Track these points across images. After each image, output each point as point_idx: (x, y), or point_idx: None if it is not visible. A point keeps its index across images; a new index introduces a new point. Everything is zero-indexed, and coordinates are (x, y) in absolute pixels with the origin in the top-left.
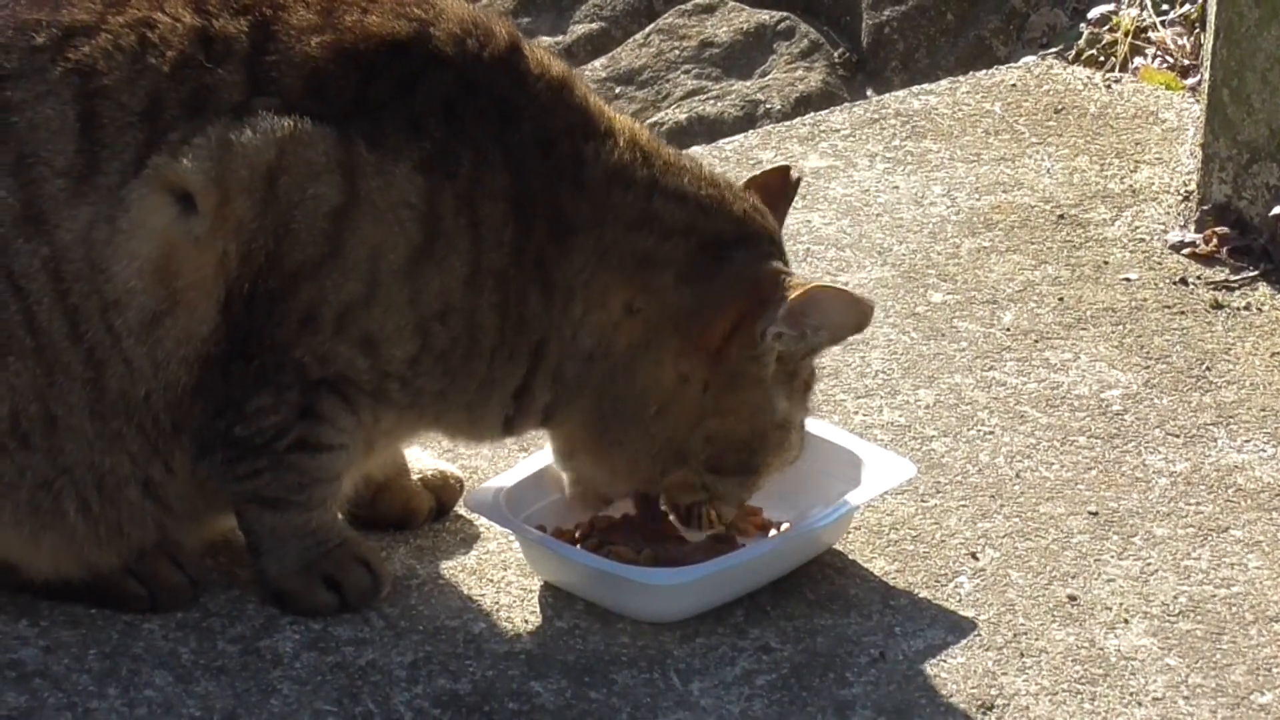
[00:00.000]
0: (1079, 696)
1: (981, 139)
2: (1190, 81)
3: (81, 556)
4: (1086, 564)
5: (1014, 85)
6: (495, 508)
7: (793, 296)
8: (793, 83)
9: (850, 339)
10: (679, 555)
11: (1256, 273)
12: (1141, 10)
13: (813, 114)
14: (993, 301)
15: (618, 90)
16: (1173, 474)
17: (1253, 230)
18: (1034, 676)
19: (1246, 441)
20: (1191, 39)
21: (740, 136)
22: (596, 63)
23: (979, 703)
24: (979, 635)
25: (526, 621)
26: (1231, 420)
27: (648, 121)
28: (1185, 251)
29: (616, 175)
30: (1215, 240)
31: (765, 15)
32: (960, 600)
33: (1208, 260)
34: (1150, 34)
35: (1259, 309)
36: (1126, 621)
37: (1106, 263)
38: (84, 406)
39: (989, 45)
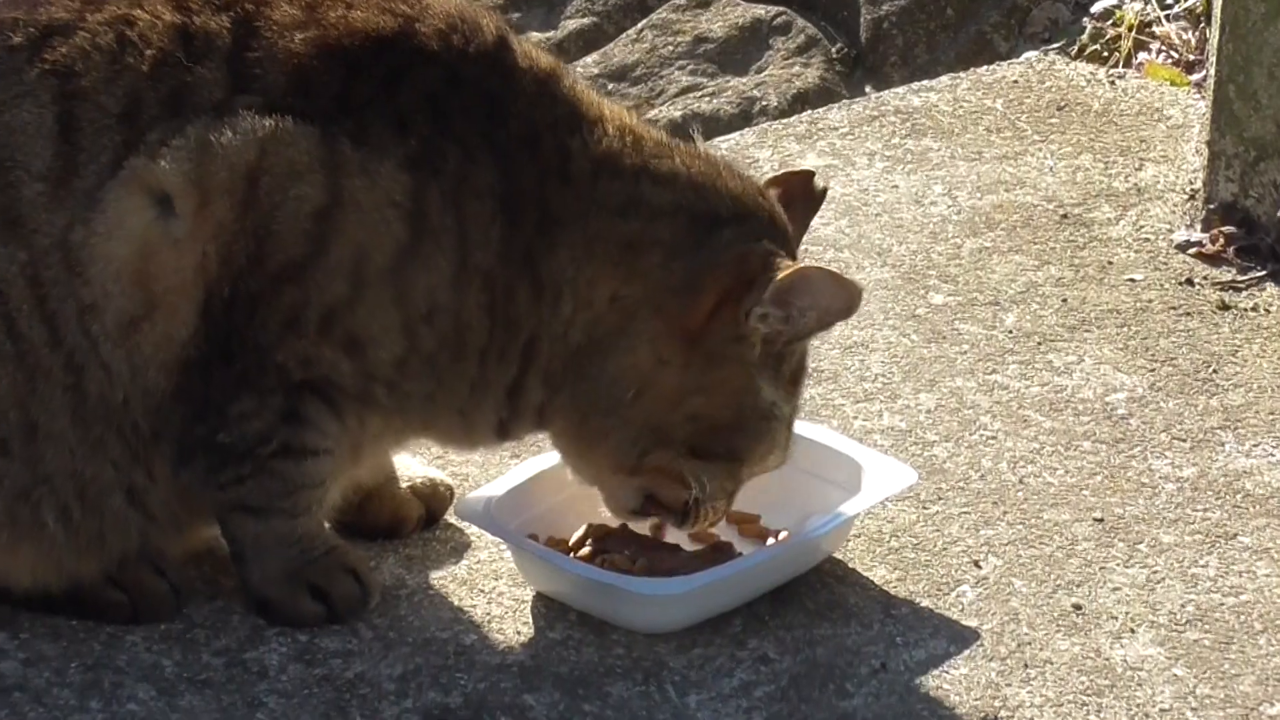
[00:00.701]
0: (1085, 708)
1: (983, 137)
2: (1196, 77)
3: (61, 566)
4: (1092, 572)
5: (1016, 82)
6: (486, 516)
7: (780, 276)
8: (790, 79)
9: (850, 341)
10: (675, 565)
11: (1264, 273)
12: (1146, 4)
13: (810, 111)
14: (995, 303)
15: (610, 87)
16: (1179, 479)
17: (1260, 229)
18: (1038, 688)
19: (1255, 446)
20: (1197, 34)
21: (736, 134)
22: (588, 59)
23: (982, 715)
24: (982, 645)
25: (519, 633)
26: (1239, 424)
27: (646, 119)
28: (1191, 251)
29: (604, 164)
30: (1222, 240)
31: (761, 10)
32: (963, 609)
33: (1214, 260)
34: (1155, 29)
35: (1267, 310)
36: (1133, 631)
37: (1111, 263)
38: (65, 413)
39: (990, 41)
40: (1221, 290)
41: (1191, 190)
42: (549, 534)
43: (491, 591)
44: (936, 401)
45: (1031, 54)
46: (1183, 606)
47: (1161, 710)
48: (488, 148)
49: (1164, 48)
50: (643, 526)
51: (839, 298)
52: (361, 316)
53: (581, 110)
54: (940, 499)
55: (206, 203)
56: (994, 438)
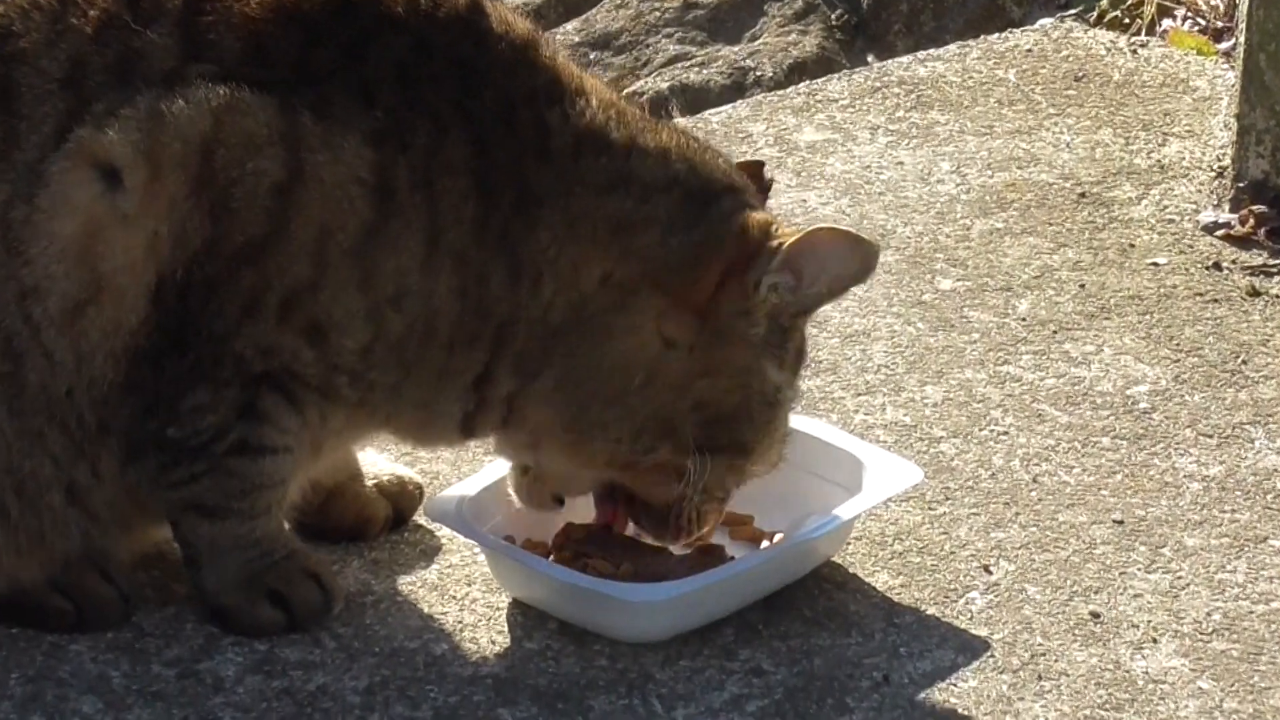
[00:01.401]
0: None
1: (994, 110)
2: (1224, 46)
3: None
4: (1111, 578)
5: (1030, 50)
6: (458, 517)
7: (789, 241)
8: (786, 48)
9: (851, 330)
10: (662, 569)
11: None
12: None
13: (808, 82)
14: (1007, 289)
15: (593, 56)
16: (1205, 478)
17: None
18: (1053, 702)
19: None
20: None
21: (728, 107)
22: (569, 25)
23: None
24: (992, 656)
25: (493, 642)
26: (1270, 419)
27: (625, 91)
28: (1219, 233)
29: (587, 140)
30: (1252, 221)
31: None
32: (972, 618)
33: (1243, 243)
34: None
35: None
36: (1155, 641)
37: (1132, 246)
38: (1, 404)
39: (1002, 6)
40: (1251, 275)
41: (1219, 167)
42: (526, 536)
43: (464, 598)
44: (944, 394)
45: (1047, 21)
46: (1209, 615)
47: None
48: (461, 120)
49: (1190, 14)
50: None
51: (852, 259)
52: (324, 301)
53: (562, 82)
54: (948, 499)
55: (157, 177)
56: (1006, 433)
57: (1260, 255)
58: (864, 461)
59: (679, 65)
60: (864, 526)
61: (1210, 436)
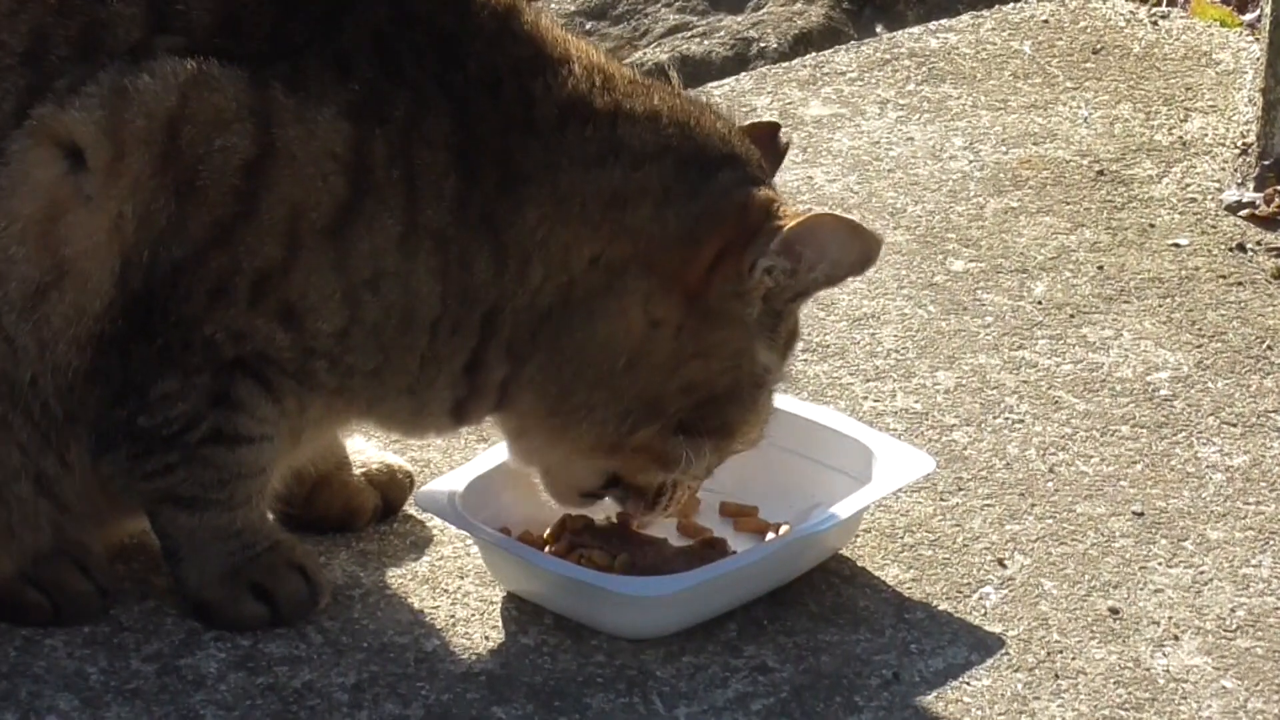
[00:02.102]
0: None
1: (1009, 83)
2: (1249, 17)
3: None
4: (1130, 572)
5: (1046, 21)
6: (450, 507)
7: (790, 225)
8: (791, 17)
9: (860, 313)
10: (661, 562)
11: None
12: None
13: (814, 54)
14: (1022, 270)
15: (589, 26)
16: (1229, 468)
17: None
18: (1070, 701)
19: None
20: None
21: (731, 80)
22: None
23: None
24: (1007, 654)
25: (487, 638)
26: None
27: (623, 63)
28: (1243, 213)
29: (572, 109)
30: (1277, 200)
31: None
32: (985, 614)
33: (1269, 223)
34: None
35: None
36: (1176, 638)
37: (1153, 226)
38: None
39: None
40: (1277, 257)
41: (1243, 144)
42: (521, 527)
43: (456, 591)
44: (956, 380)
45: None
46: (1232, 611)
47: None
48: (441, 93)
49: None
50: (594, 512)
51: (853, 249)
52: (298, 283)
53: (545, 50)
54: (960, 490)
55: (122, 156)
56: (1021, 421)
57: None
58: (873, 450)
59: (679, 36)
60: (873, 518)
61: (1234, 425)
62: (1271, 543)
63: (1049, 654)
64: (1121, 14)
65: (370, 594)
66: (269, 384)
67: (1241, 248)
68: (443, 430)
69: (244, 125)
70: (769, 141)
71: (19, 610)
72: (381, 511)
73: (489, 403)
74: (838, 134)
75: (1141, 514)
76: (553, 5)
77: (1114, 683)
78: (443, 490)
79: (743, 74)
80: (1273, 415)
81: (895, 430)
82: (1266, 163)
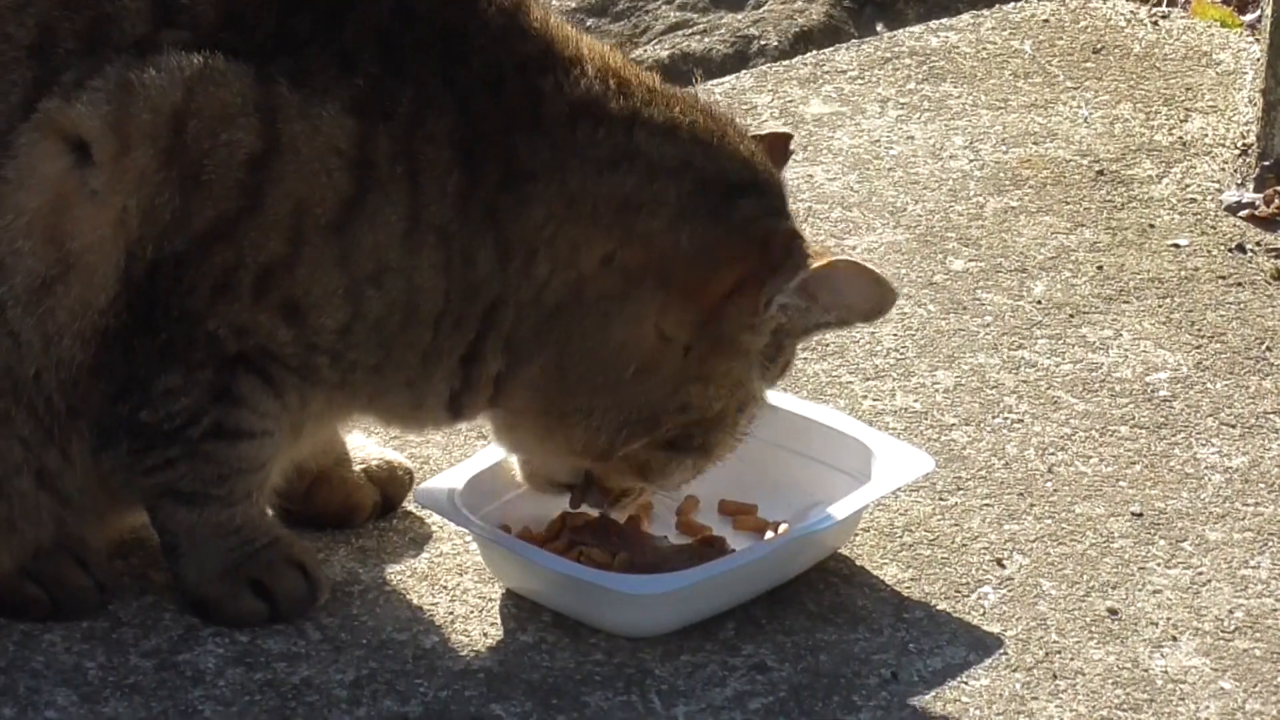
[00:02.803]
0: None
1: (1009, 82)
2: (1249, 17)
3: None
4: (1129, 573)
5: (1047, 20)
6: (450, 503)
7: (814, 267)
8: (791, 15)
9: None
10: (660, 560)
11: None
12: None
13: (815, 52)
14: (1022, 270)
15: (589, 23)
16: (1228, 469)
17: None
18: (1068, 701)
19: None
20: None
21: (731, 78)
22: None
23: None
24: (1005, 654)
25: (485, 635)
26: None
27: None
28: (1243, 214)
29: (584, 110)
30: (1277, 201)
31: None
32: (984, 613)
33: (1268, 224)
34: None
35: None
36: (1175, 639)
37: (1152, 226)
38: None
39: None
40: (1276, 258)
41: (1243, 145)
42: (521, 524)
43: (455, 588)
44: (956, 380)
45: None
46: (1231, 612)
47: None
48: (445, 89)
49: None
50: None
51: (869, 298)
52: (301, 278)
53: (555, 48)
54: (959, 489)
55: (127, 150)
56: (1020, 421)
57: None
58: (872, 449)
59: (679, 33)
60: (872, 517)
61: (1233, 426)
62: (1270, 544)
63: (1047, 654)
64: (1122, 14)
65: (369, 590)
66: (271, 379)
67: (1241, 248)
68: (440, 424)
69: (249, 120)
70: (780, 151)
71: (17, 605)
72: (381, 508)
73: (484, 397)
74: (838, 132)
75: (1140, 514)
76: (553, 2)
77: (1112, 683)
78: (442, 487)
79: (743, 72)
80: (1272, 416)
81: (894, 429)
82: (1266, 163)
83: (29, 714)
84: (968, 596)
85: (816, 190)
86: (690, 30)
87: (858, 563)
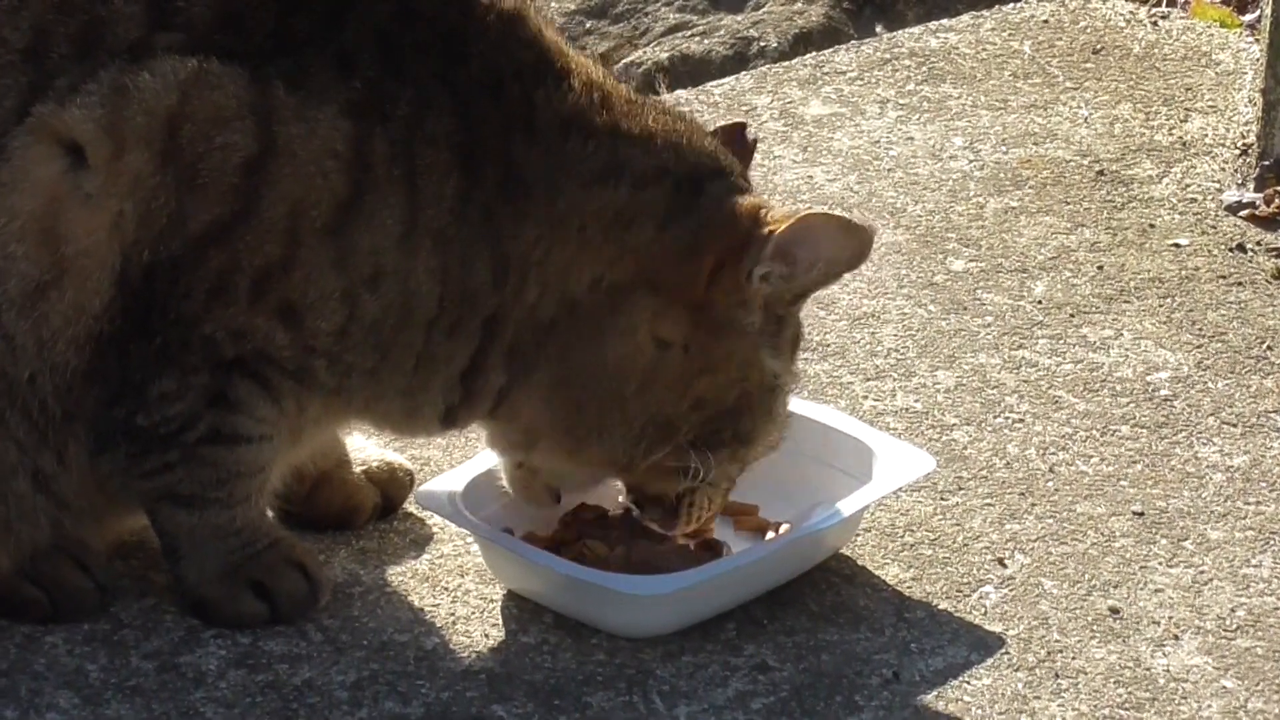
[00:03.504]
0: None
1: (1009, 83)
2: (1249, 18)
3: None
4: (1130, 572)
5: (1046, 21)
6: (450, 505)
7: (781, 228)
8: (791, 17)
9: (859, 312)
10: (660, 558)
11: None
12: None
13: (814, 53)
14: (1022, 270)
15: (589, 25)
16: (1229, 468)
17: None
18: (1070, 701)
19: None
20: None
21: (731, 79)
22: None
23: None
24: (1007, 653)
25: (487, 636)
26: None
27: (623, 61)
28: (1243, 213)
29: (572, 123)
30: (1277, 200)
31: None
32: (986, 613)
33: (1268, 223)
34: None
35: None
36: (1176, 638)
37: (1153, 226)
38: None
39: None
40: (1277, 257)
41: (1243, 145)
42: (525, 527)
43: (457, 589)
44: (956, 380)
45: None
46: (1232, 611)
47: None
48: (445, 91)
49: None
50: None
51: (847, 245)
52: (298, 281)
53: (549, 59)
54: (960, 489)
55: (122, 153)
56: (1021, 421)
57: None
58: (874, 449)
59: (679, 35)
60: (874, 517)
61: (1234, 425)
62: (1271, 543)
63: (1049, 653)
64: (1121, 14)
65: (370, 592)
66: (267, 384)
67: (1241, 248)
68: (431, 434)
69: (244, 123)
70: (738, 140)
71: (17, 607)
72: (381, 509)
73: (482, 409)
74: (838, 133)
75: (1141, 514)
76: (553, 4)
77: (1114, 682)
78: (443, 488)
79: (743, 73)
80: (1272, 415)
81: (895, 429)
82: (1266, 163)
83: (31, 716)
84: (969, 596)
85: (817, 191)
86: (690, 32)
87: (859, 563)
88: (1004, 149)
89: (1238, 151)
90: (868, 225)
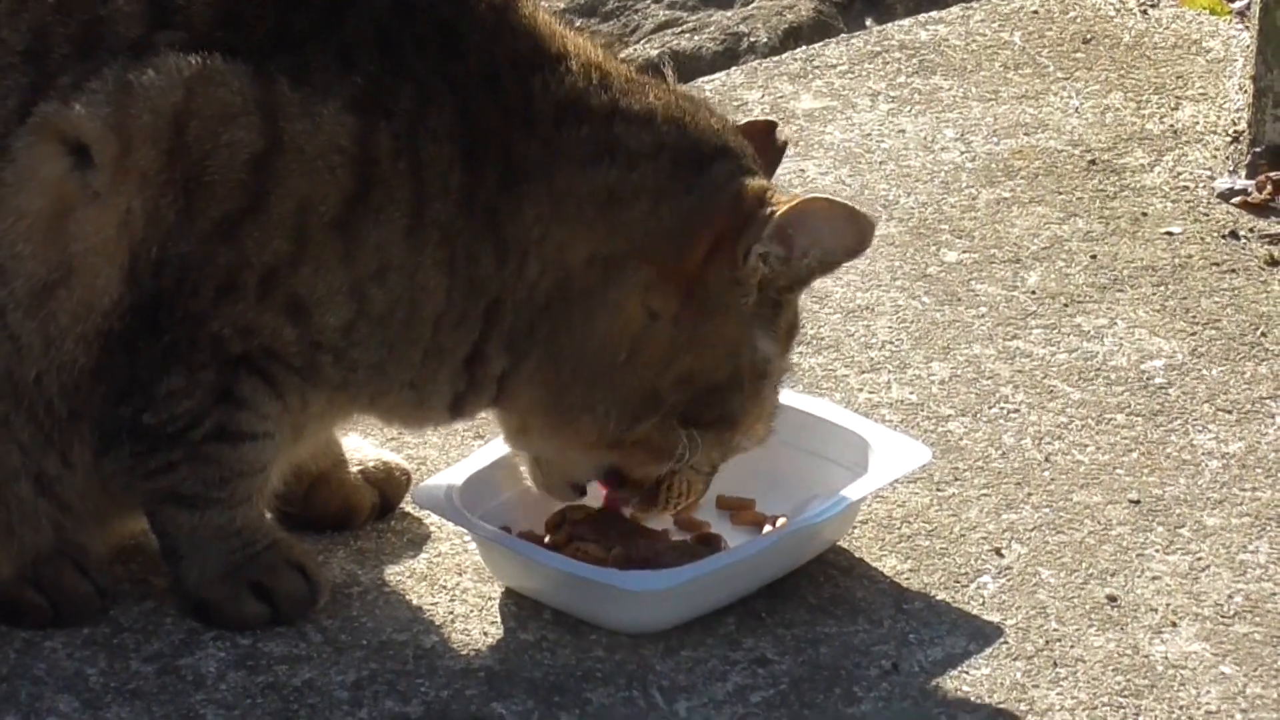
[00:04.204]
0: (1121, 711)
1: (1000, 74)
2: (1238, 5)
3: None
4: (1128, 560)
5: (1036, 11)
6: (448, 503)
7: (782, 210)
8: (780, 12)
9: (854, 305)
10: (657, 555)
11: None
12: None
13: (805, 47)
14: (1015, 260)
15: (578, 23)
16: (1225, 455)
17: None
18: (1069, 689)
19: None
20: None
21: (722, 74)
22: None
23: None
24: (1005, 643)
25: (486, 634)
26: None
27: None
28: (1235, 200)
29: (568, 108)
30: (1269, 187)
31: None
32: (984, 603)
33: (1261, 210)
34: None
35: None
36: (1174, 625)
37: (1145, 214)
38: None
39: None
40: (1270, 244)
41: (1235, 132)
42: (520, 523)
43: (455, 588)
44: (951, 371)
45: None
46: (1230, 597)
47: (1207, 713)
48: (445, 85)
49: None
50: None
51: (847, 233)
52: (306, 277)
53: (543, 44)
54: (957, 480)
55: (128, 151)
56: (1016, 411)
57: (1278, 223)
58: (870, 441)
59: (669, 31)
60: (870, 509)
61: (1229, 412)
62: (1268, 528)
63: (1047, 642)
64: (1111, 3)
65: (369, 592)
66: (273, 380)
67: (1234, 235)
68: (440, 424)
69: (250, 119)
70: (765, 139)
71: (18, 611)
72: (379, 509)
73: (486, 397)
74: (829, 127)
75: (1138, 502)
76: (544, 2)
77: (1113, 670)
78: (440, 487)
79: (733, 69)
80: (1267, 401)
81: (891, 421)
82: (1258, 150)
83: None
84: (967, 586)
85: (809, 185)
86: (680, 28)
87: (857, 555)
88: (995, 140)
89: (1229, 139)
90: (868, 215)
